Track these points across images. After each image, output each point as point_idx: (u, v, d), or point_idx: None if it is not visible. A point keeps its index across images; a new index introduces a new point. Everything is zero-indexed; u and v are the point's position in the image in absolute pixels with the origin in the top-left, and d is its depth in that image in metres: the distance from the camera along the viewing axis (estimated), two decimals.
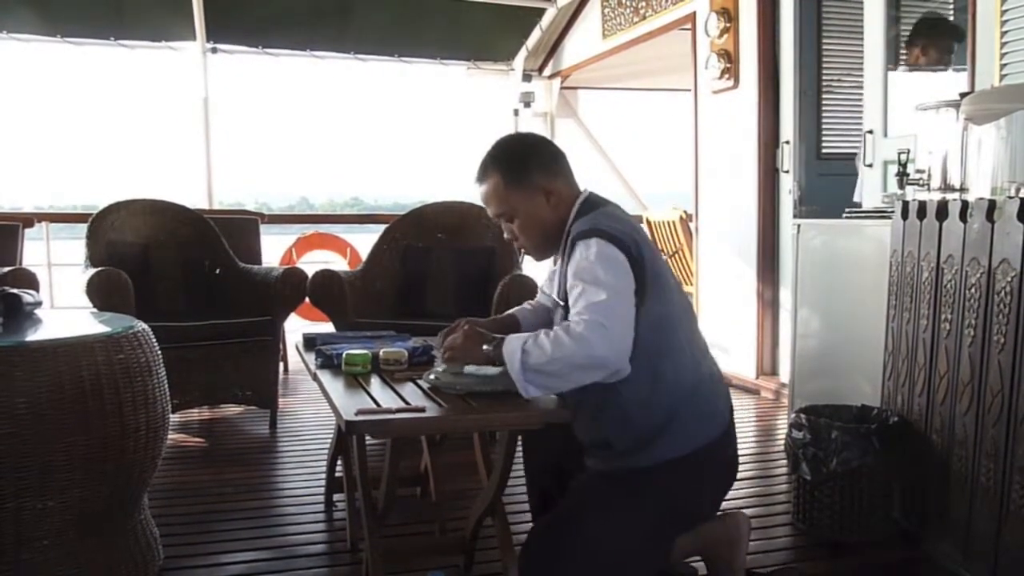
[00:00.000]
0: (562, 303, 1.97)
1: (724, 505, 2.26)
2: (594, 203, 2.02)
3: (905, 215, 2.61)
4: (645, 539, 1.89)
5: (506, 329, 2.14)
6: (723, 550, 2.13)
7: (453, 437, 2.75)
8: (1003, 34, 3.05)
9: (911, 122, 3.34)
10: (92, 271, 3.62)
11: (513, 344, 1.83)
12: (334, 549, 2.53)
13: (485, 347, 1.90)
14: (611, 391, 1.85)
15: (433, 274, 4.22)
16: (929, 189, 2.71)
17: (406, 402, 1.89)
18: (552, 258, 2.19)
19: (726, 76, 4.79)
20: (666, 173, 8.90)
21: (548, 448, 2.13)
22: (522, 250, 2.16)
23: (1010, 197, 2.20)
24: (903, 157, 3.13)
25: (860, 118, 3.99)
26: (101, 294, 3.52)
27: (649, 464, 1.91)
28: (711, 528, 2.14)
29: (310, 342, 2.60)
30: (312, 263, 6.31)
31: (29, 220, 5.09)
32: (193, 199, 5.80)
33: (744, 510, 2.35)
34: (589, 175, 4.03)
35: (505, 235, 2.10)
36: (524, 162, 2.02)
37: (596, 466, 2.01)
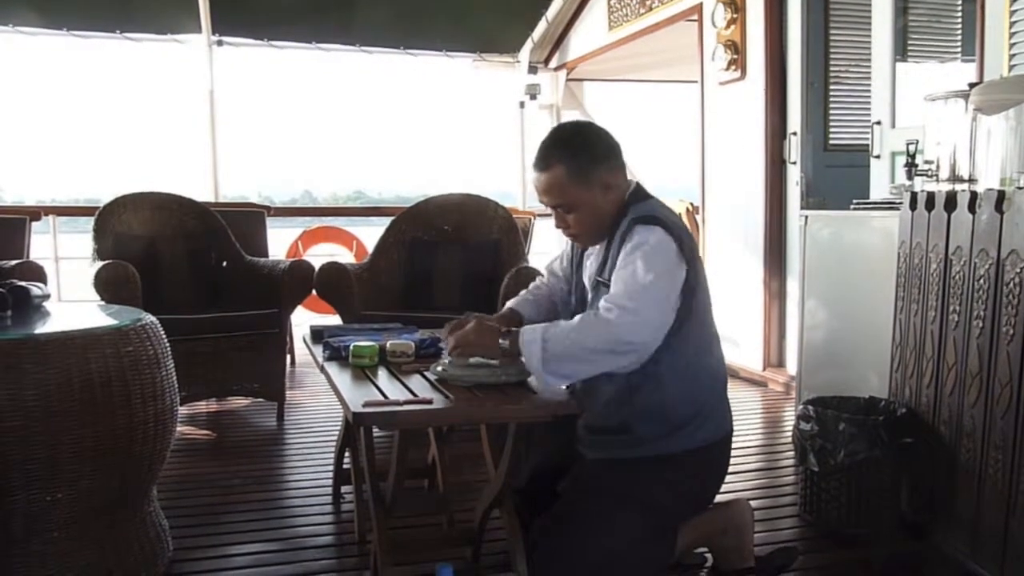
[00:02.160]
0: (608, 284, 1.96)
1: (728, 495, 2.26)
2: (644, 194, 2.07)
3: (913, 206, 2.60)
4: (657, 529, 1.91)
5: (511, 324, 2.15)
6: (731, 538, 2.14)
7: (460, 429, 2.75)
8: (1012, 24, 3.04)
9: (919, 113, 3.33)
10: (99, 264, 3.63)
11: (530, 335, 1.84)
12: (342, 541, 2.54)
13: (501, 341, 1.90)
14: (652, 379, 1.89)
15: (439, 267, 4.21)
16: (938, 180, 2.70)
17: (413, 394, 1.89)
18: (571, 249, 2.22)
19: (733, 67, 4.78)
20: (672, 165, 8.88)
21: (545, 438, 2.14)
22: (571, 238, 2.15)
23: (1019, 188, 2.19)
24: (911, 148, 3.11)
25: (868, 109, 3.97)
26: (109, 287, 3.53)
27: (667, 452, 1.93)
28: (716, 517, 2.15)
29: (317, 334, 2.60)
30: (318, 256, 6.31)
31: (36, 213, 5.10)
32: (199, 192, 5.80)
33: (751, 502, 2.35)
34: None
35: (555, 223, 2.09)
36: (589, 155, 2.01)
37: (598, 454, 2.01)
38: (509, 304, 2.32)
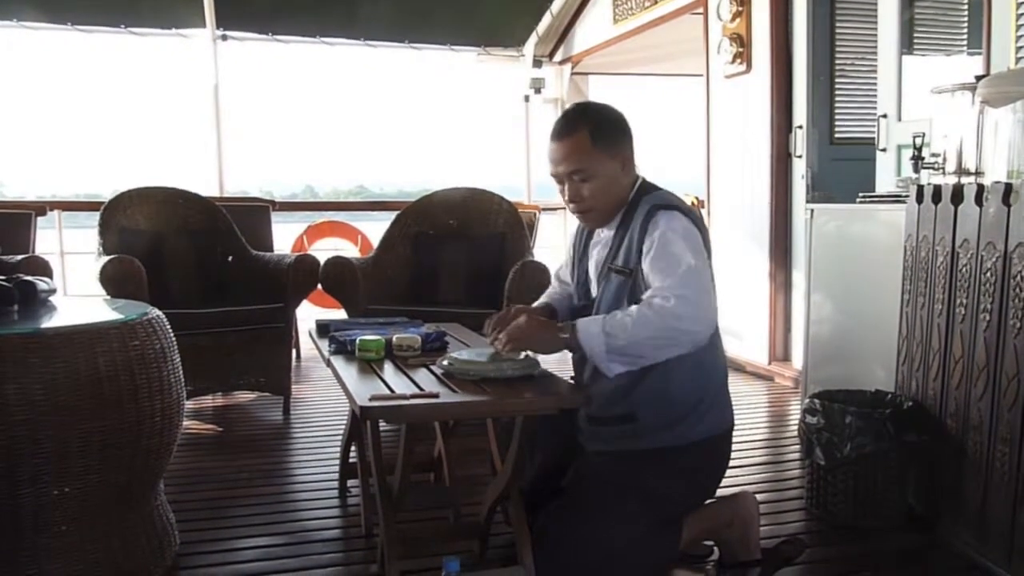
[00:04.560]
0: (625, 271, 1.98)
1: (734, 488, 2.26)
2: (654, 185, 2.08)
3: (920, 199, 2.59)
4: (660, 521, 1.91)
5: (547, 317, 2.18)
6: (736, 530, 2.14)
7: (466, 423, 2.75)
8: (1018, 16, 3.02)
9: (926, 106, 3.32)
10: (105, 259, 3.64)
11: (592, 328, 1.87)
12: (348, 535, 2.54)
13: (562, 335, 1.90)
14: (658, 368, 1.90)
15: (444, 261, 4.22)
16: (944, 173, 2.69)
17: (420, 388, 1.89)
18: (576, 240, 2.22)
19: (738, 61, 4.76)
20: (678, 159, 8.85)
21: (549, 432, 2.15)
22: (580, 214, 2.10)
23: None
24: (918, 141, 3.10)
25: (874, 102, 3.96)
26: (115, 281, 3.54)
27: (669, 445, 1.93)
28: (721, 510, 2.16)
29: (323, 328, 2.61)
30: (323, 250, 6.31)
31: (41, 208, 5.11)
32: (203, 186, 5.81)
33: (757, 495, 2.35)
34: None
35: (566, 196, 2.05)
36: (614, 124, 2.03)
37: (598, 446, 2.02)
38: (544, 298, 2.34)
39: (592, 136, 1.97)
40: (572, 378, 2.10)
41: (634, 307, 1.88)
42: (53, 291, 2.50)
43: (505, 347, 1.95)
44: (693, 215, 1.98)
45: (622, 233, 2.02)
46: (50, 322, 2.18)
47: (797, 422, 2.70)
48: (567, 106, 7.53)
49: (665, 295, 1.82)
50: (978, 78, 2.64)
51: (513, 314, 2.06)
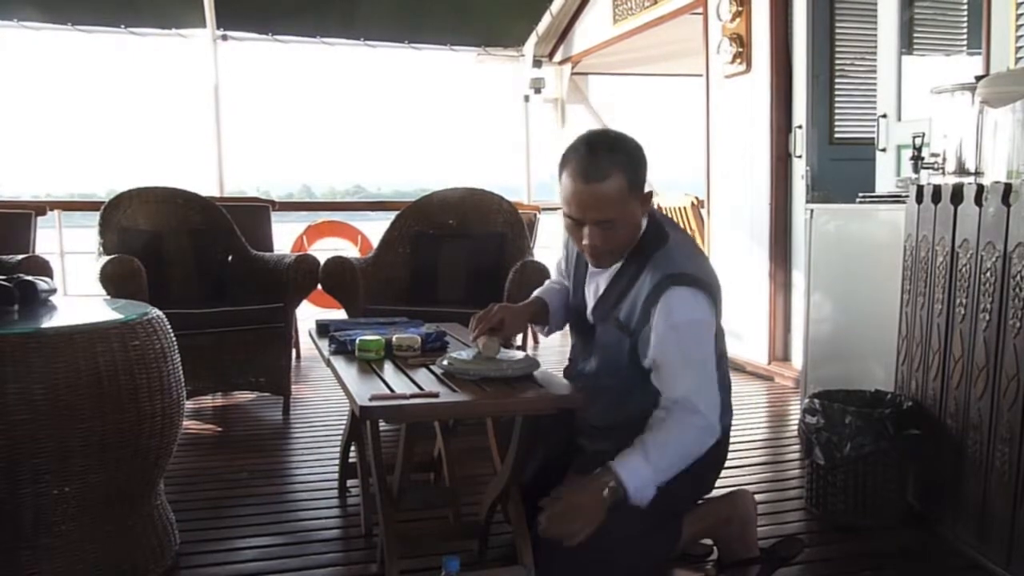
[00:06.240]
0: (627, 329, 1.92)
1: (734, 487, 2.27)
2: (663, 228, 1.97)
3: (920, 199, 2.59)
4: (659, 520, 1.91)
5: (537, 313, 2.18)
6: (735, 528, 2.14)
7: (466, 423, 2.76)
8: (1018, 16, 3.02)
9: (925, 106, 3.32)
10: (105, 259, 3.64)
11: (635, 479, 1.78)
12: (348, 534, 2.54)
13: (605, 493, 1.77)
14: (647, 379, 1.90)
15: (444, 261, 4.22)
16: (944, 173, 2.69)
17: (420, 387, 1.90)
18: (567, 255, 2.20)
19: (738, 61, 4.76)
20: (677, 159, 8.85)
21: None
22: (595, 257, 1.96)
23: None
24: (918, 141, 3.10)
25: (873, 102, 3.96)
26: (115, 281, 3.54)
27: None
28: (720, 508, 2.15)
29: (323, 328, 2.61)
30: (323, 250, 6.32)
31: (41, 208, 5.11)
32: (203, 186, 5.81)
33: (757, 495, 2.35)
34: None
35: (585, 240, 1.88)
36: (642, 163, 1.88)
37: (599, 446, 2.02)
38: (538, 292, 2.30)
39: (629, 183, 1.82)
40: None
41: (658, 421, 1.84)
42: (53, 291, 2.50)
43: (549, 532, 1.81)
44: (705, 282, 1.88)
45: (626, 282, 1.93)
46: (50, 322, 2.18)
47: (797, 422, 2.70)
48: (567, 107, 7.63)
49: (687, 407, 1.82)
50: (978, 78, 2.64)
51: (496, 312, 2.05)
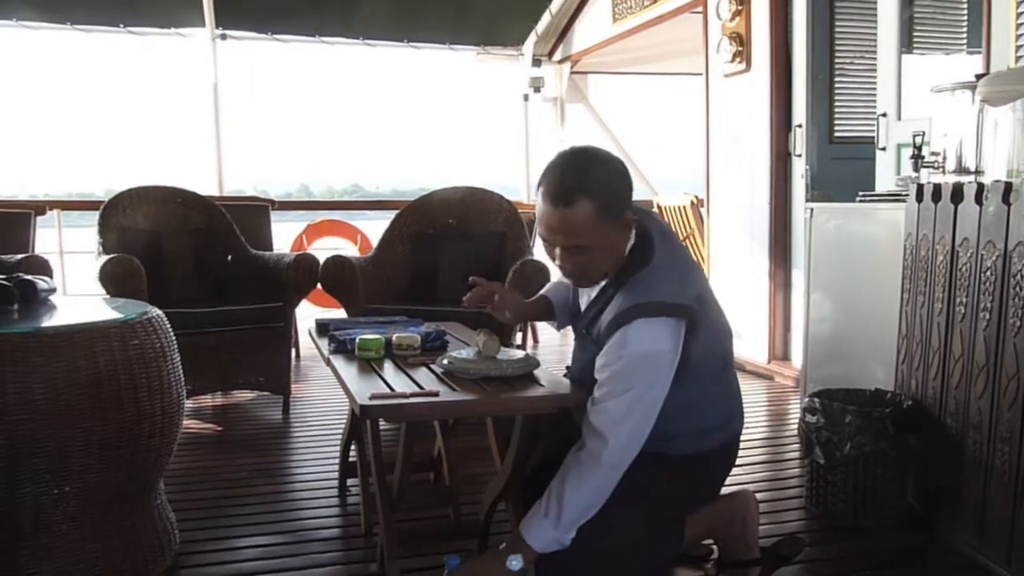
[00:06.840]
0: (595, 339, 1.87)
1: (734, 487, 2.26)
2: (648, 236, 1.88)
3: (920, 198, 2.59)
4: (661, 521, 1.90)
5: (541, 311, 2.18)
6: (736, 528, 2.14)
7: (466, 422, 2.75)
8: (1018, 15, 3.02)
9: (925, 104, 3.32)
10: (105, 258, 3.64)
11: (539, 540, 1.76)
12: (348, 533, 2.54)
13: (508, 562, 1.75)
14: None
15: (444, 260, 4.22)
16: (944, 172, 2.69)
17: (420, 387, 1.90)
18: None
19: (738, 60, 4.76)
20: (677, 158, 8.86)
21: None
22: (572, 279, 1.94)
23: None
24: (918, 140, 3.10)
25: (873, 101, 3.96)
26: (114, 281, 3.54)
27: (672, 454, 1.92)
28: (721, 508, 2.15)
29: (323, 328, 2.61)
30: (323, 250, 6.31)
31: (41, 208, 5.11)
32: (203, 186, 5.81)
33: (757, 494, 2.35)
34: None
35: (557, 261, 1.86)
36: (619, 192, 1.80)
37: None
38: (542, 291, 2.28)
39: (597, 209, 1.74)
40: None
41: (566, 465, 1.78)
42: (53, 290, 2.50)
43: None
44: (677, 307, 1.77)
45: (604, 302, 1.88)
46: (50, 321, 2.17)
47: (797, 421, 2.70)
48: (566, 106, 7.64)
49: (594, 444, 1.75)
50: (978, 77, 2.64)
51: (499, 289, 2.07)
